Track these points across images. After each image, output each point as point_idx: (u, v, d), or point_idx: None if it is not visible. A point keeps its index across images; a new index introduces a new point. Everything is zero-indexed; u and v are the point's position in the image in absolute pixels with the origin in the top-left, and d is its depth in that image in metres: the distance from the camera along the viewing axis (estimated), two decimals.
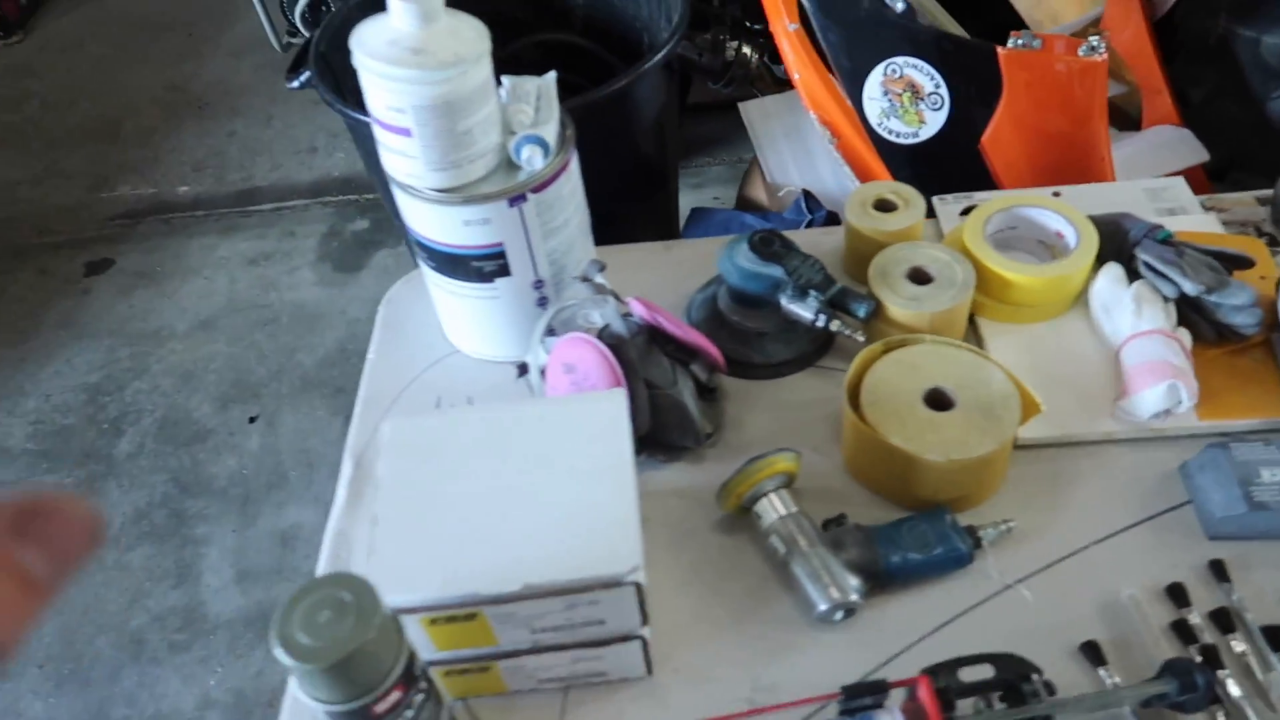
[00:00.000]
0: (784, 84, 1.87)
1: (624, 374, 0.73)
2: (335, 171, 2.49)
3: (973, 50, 0.98)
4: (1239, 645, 0.62)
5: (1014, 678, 0.57)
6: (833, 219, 1.24)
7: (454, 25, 0.70)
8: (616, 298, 0.79)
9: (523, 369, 0.79)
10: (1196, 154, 1.19)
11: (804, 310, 0.78)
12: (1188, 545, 0.68)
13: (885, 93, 1.04)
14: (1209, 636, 0.62)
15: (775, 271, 0.79)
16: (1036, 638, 0.64)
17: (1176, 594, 0.65)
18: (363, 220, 2.34)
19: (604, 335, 0.77)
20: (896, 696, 0.56)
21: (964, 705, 0.56)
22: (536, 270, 0.80)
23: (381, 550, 0.59)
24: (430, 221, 0.76)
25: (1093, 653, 0.63)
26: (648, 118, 1.27)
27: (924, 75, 1.01)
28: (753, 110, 1.41)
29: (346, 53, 0.71)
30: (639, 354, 0.75)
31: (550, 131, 0.75)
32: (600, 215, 0.87)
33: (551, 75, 0.79)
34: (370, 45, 0.68)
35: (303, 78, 1.35)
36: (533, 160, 0.74)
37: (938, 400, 0.71)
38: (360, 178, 2.42)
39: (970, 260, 0.80)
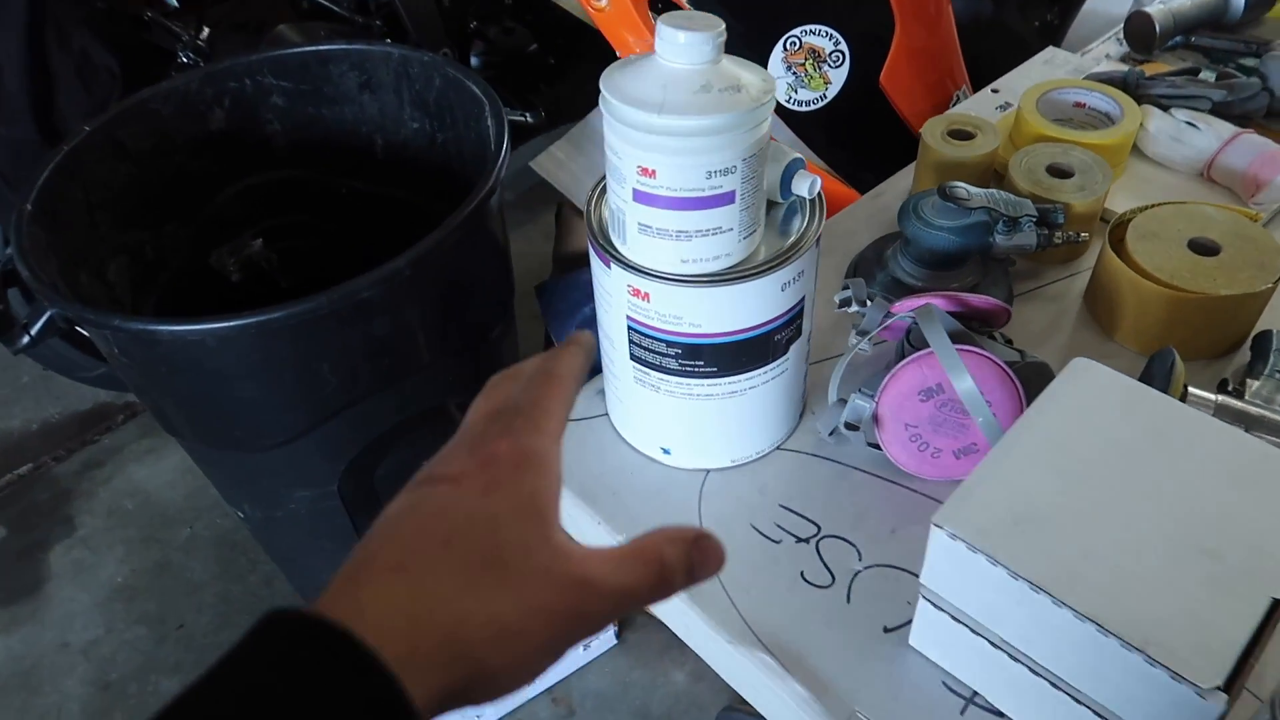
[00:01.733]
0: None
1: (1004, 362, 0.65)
2: None
3: None
4: None
5: None
6: None
7: (728, 57, 0.55)
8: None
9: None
10: None
11: (1025, 239, 0.76)
12: None
13: (789, 68, 1.04)
14: None
15: (980, 215, 0.76)
16: None
17: None
18: None
19: (913, 341, 0.67)
20: None
21: None
22: (812, 320, 0.66)
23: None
24: (732, 308, 0.59)
25: None
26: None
27: (823, 38, 1.03)
28: (546, 163, 1.30)
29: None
30: (980, 344, 0.67)
31: (792, 150, 0.63)
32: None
33: None
34: (677, 103, 0.51)
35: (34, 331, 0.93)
36: (814, 185, 0.61)
37: (1203, 249, 0.75)
38: None
39: (1070, 144, 0.85)
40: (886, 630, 0.59)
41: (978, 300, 0.69)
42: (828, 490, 0.67)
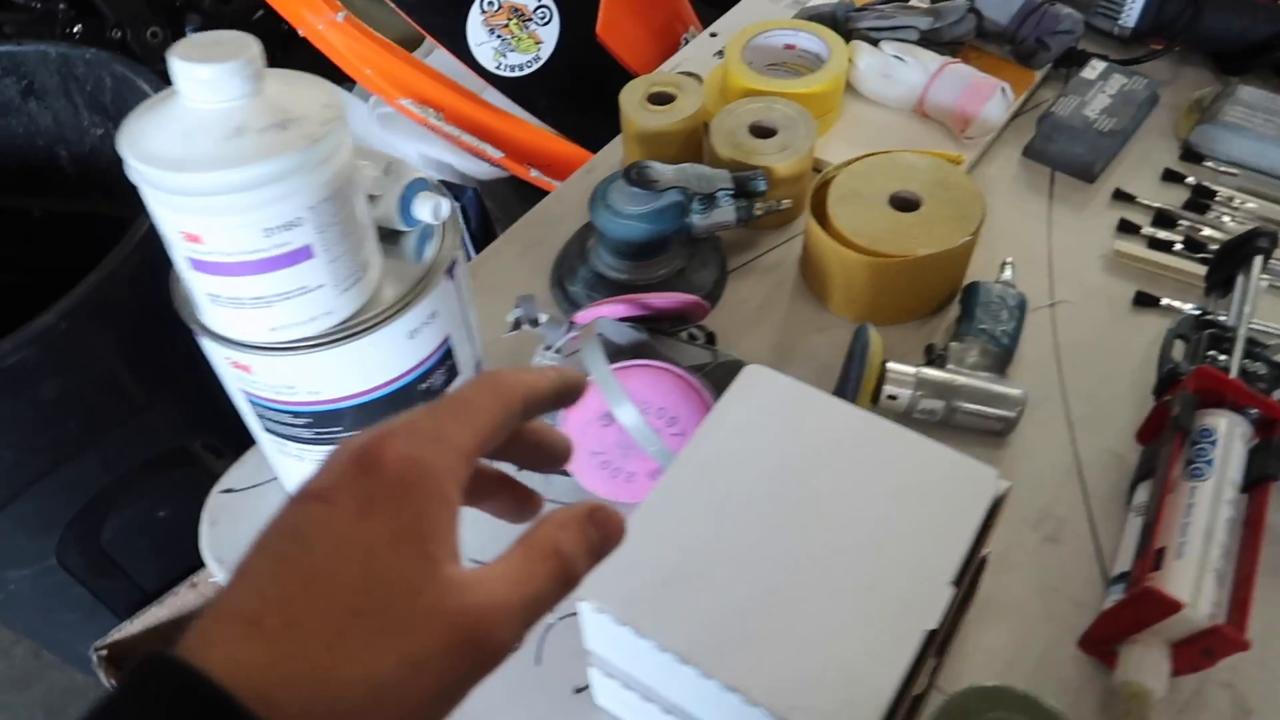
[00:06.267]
0: None
1: (686, 372, 0.60)
2: None
3: None
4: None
5: (1200, 328, 0.62)
6: (479, 196, 1.11)
7: (278, 74, 0.46)
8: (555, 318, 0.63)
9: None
10: None
11: (724, 215, 0.71)
12: (1084, 194, 0.80)
13: (491, 31, 0.94)
14: (1181, 224, 0.75)
15: (673, 196, 0.70)
16: (1110, 318, 0.71)
17: (1127, 228, 0.76)
18: None
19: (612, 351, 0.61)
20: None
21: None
22: (474, 351, 0.59)
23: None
24: (352, 369, 0.51)
25: (1146, 299, 0.71)
26: None
27: None
28: None
29: None
30: (665, 349, 0.62)
31: (413, 171, 0.55)
32: None
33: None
34: (202, 155, 0.42)
35: None
36: (440, 209, 0.53)
37: (904, 204, 0.71)
38: None
39: (773, 96, 0.79)
40: (577, 691, 0.54)
41: (662, 301, 0.63)
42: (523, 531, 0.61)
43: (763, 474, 0.49)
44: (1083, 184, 0.80)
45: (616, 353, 0.61)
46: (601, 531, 0.28)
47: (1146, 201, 0.77)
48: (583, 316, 0.62)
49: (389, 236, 0.54)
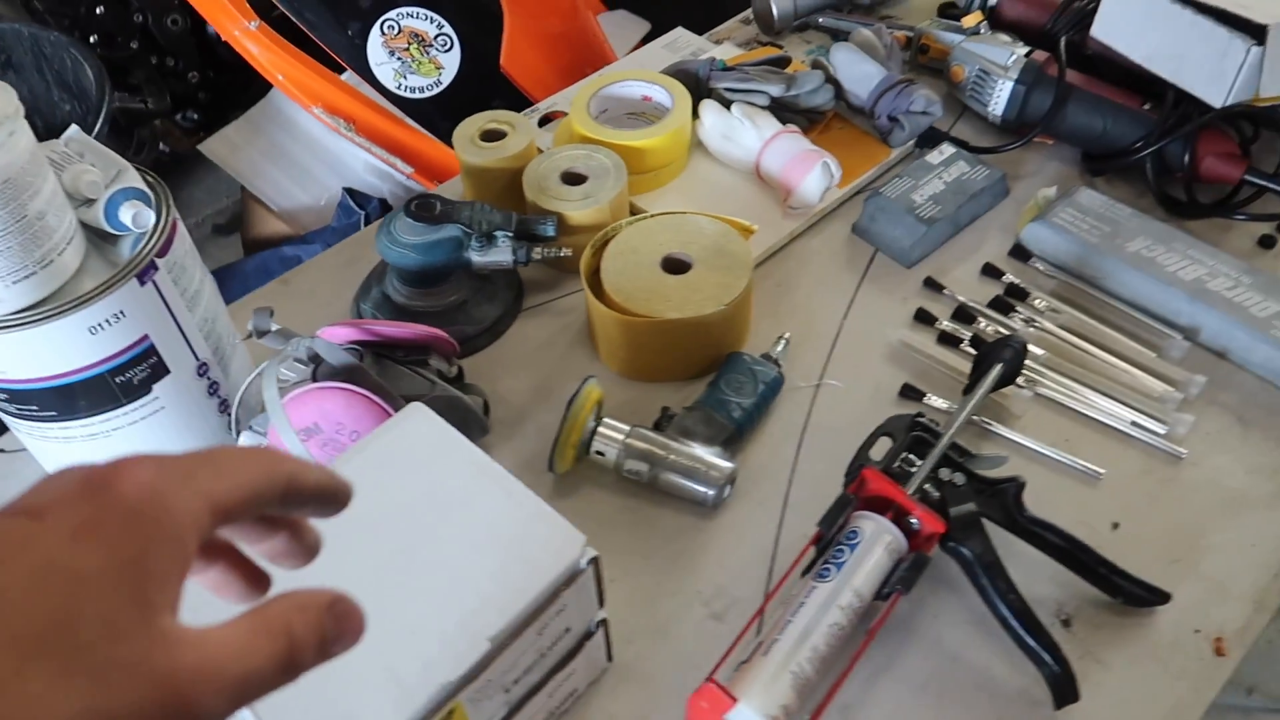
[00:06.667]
0: (198, 131, 1.69)
1: (384, 399, 0.62)
2: None
3: None
4: (991, 327, 0.73)
5: (909, 430, 0.61)
6: (388, 205, 1.16)
7: None
8: (296, 335, 0.66)
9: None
10: (640, 26, 1.32)
11: (501, 255, 0.73)
12: (898, 281, 0.78)
13: (391, 53, 0.99)
14: (965, 333, 0.73)
15: (451, 231, 0.72)
16: (870, 406, 0.70)
17: (923, 317, 0.75)
18: None
19: (324, 373, 0.64)
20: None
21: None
22: (196, 353, 0.63)
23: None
24: (29, 355, 0.55)
25: (912, 391, 0.70)
26: None
27: (423, 21, 0.98)
28: (217, 146, 1.24)
29: None
30: (379, 374, 0.64)
31: (135, 180, 0.59)
32: None
33: (73, 128, 0.63)
34: None
35: None
36: (141, 218, 0.57)
37: (675, 266, 0.72)
38: None
39: (599, 145, 0.81)
40: None
41: (393, 330, 0.66)
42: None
43: (375, 508, 0.50)
44: (901, 267, 0.79)
45: (330, 373, 0.64)
46: (339, 627, 0.26)
47: (952, 293, 0.76)
48: (331, 333, 0.65)
49: (110, 238, 0.59)
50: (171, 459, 0.25)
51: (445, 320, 0.74)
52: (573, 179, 0.78)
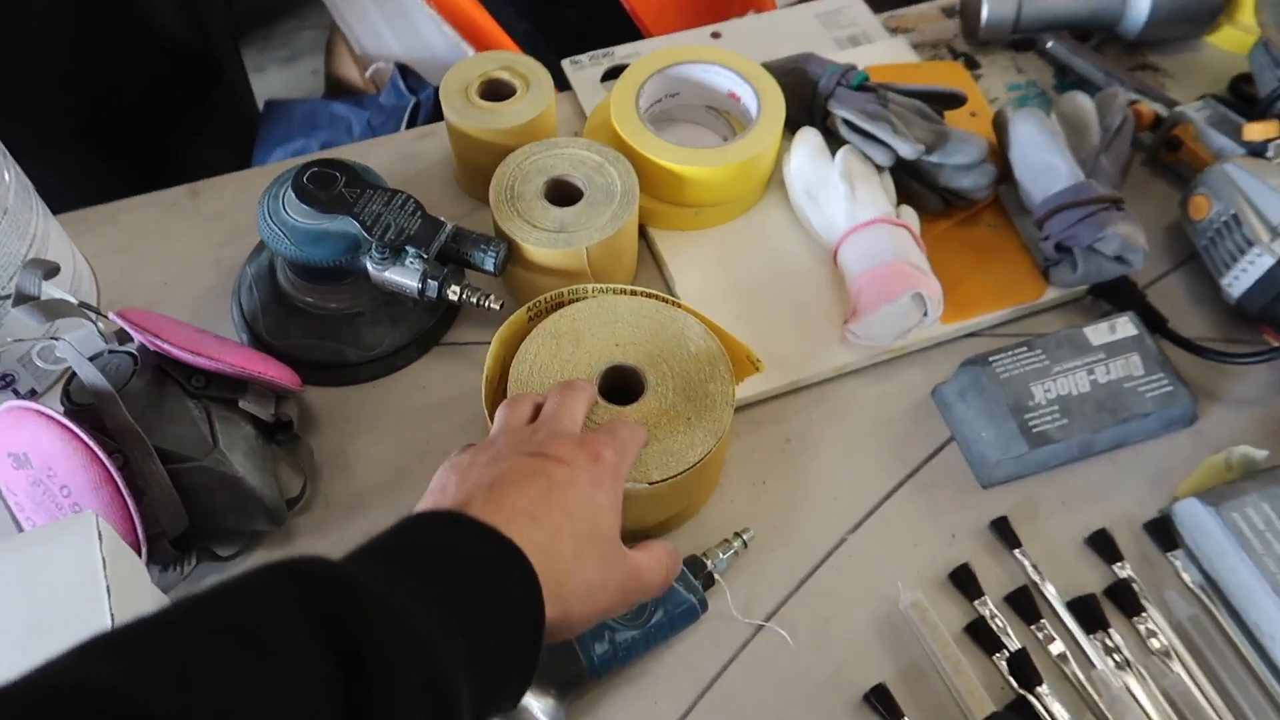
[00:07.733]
0: None
1: (117, 455, 0.44)
2: None
3: None
4: (1056, 647, 0.47)
5: None
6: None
7: None
8: (94, 313, 0.48)
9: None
10: None
11: (403, 277, 0.51)
12: (961, 501, 0.52)
13: None
14: (1013, 632, 0.47)
15: (346, 225, 0.51)
16: (809, 690, 0.46)
17: (963, 581, 0.49)
18: None
19: (72, 393, 0.46)
20: None
21: None
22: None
23: None
24: None
25: (884, 700, 0.45)
26: None
27: None
28: None
29: None
30: (142, 410, 0.45)
31: None
32: (127, 144, 0.73)
33: None
34: None
35: None
36: None
37: (621, 386, 0.48)
38: None
39: (627, 154, 0.56)
40: None
41: (189, 351, 0.46)
42: None
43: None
44: (973, 482, 0.53)
45: (77, 391, 0.46)
46: (676, 567, 0.41)
47: (1026, 559, 0.49)
48: (116, 319, 0.47)
49: None
50: (611, 441, 0.40)
51: (325, 331, 0.54)
52: (561, 193, 0.55)
